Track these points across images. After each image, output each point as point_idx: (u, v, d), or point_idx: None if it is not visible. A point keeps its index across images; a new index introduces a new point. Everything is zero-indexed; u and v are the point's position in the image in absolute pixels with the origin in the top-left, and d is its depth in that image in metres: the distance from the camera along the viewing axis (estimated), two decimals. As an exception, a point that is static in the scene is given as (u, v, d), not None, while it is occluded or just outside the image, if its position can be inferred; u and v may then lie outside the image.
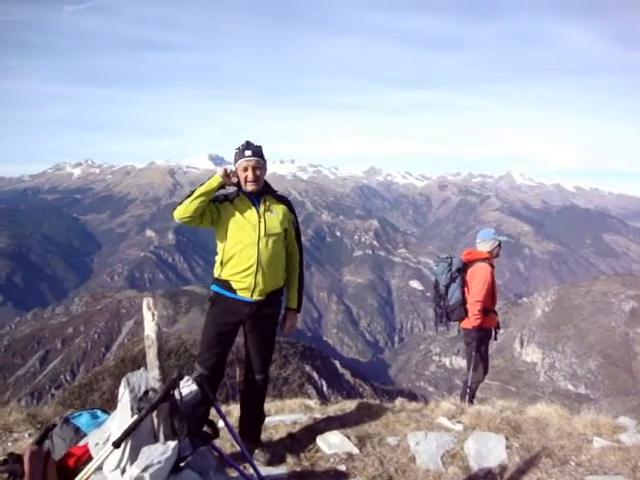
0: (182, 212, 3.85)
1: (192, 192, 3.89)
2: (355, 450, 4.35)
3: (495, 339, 6.60)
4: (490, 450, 4.31)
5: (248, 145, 4.01)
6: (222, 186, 3.96)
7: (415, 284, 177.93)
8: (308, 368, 64.83)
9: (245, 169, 3.95)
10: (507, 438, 4.54)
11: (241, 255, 3.93)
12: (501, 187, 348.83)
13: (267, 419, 4.73)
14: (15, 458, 2.88)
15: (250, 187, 3.97)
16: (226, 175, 3.94)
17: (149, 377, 2.63)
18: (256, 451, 4.24)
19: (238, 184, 4.04)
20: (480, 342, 6.31)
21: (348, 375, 75.00)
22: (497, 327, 6.56)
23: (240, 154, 3.98)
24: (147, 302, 2.62)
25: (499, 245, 6.47)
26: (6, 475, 2.91)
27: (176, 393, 2.60)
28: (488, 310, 6.27)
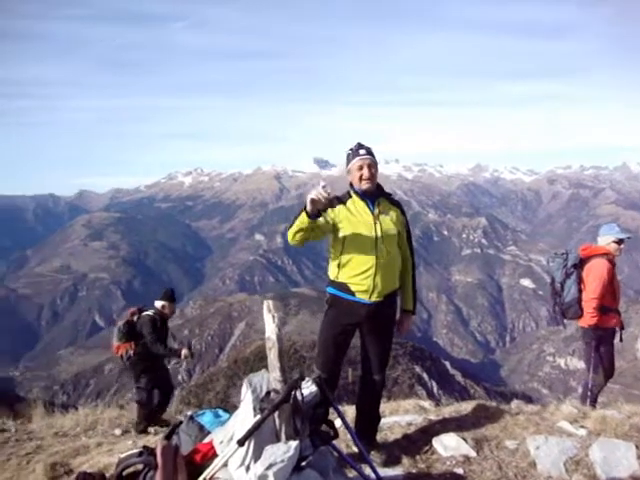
0: (291, 242, 3.96)
1: (294, 220, 3.81)
2: (472, 453, 4.28)
3: (621, 340, 6.24)
4: (619, 459, 4.05)
5: (361, 145, 4.08)
6: (318, 212, 3.72)
7: (526, 282, 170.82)
8: (418, 369, 64.00)
9: (360, 167, 4.00)
10: (637, 446, 4.23)
11: (359, 257, 3.94)
12: (616, 178, 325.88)
13: (382, 420, 4.74)
14: (149, 451, 3.10)
15: (365, 185, 4.00)
16: (314, 201, 3.58)
17: (270, 378, 2.74)
18: (372, 452, 4.26)
19: (337, 198, 4.02)
20: (599, 342, 6.00)
21: (459, 376, 73.40)
22: (621, 327, 6.19)
23: (354, 154, 4.04)
24: (267, 305, 2.73)
25: (619, 241, 6.12)
26: (141, 466, 3.14)
27: (297, 394, 2.68)
28: (607, 308, 5.95)
